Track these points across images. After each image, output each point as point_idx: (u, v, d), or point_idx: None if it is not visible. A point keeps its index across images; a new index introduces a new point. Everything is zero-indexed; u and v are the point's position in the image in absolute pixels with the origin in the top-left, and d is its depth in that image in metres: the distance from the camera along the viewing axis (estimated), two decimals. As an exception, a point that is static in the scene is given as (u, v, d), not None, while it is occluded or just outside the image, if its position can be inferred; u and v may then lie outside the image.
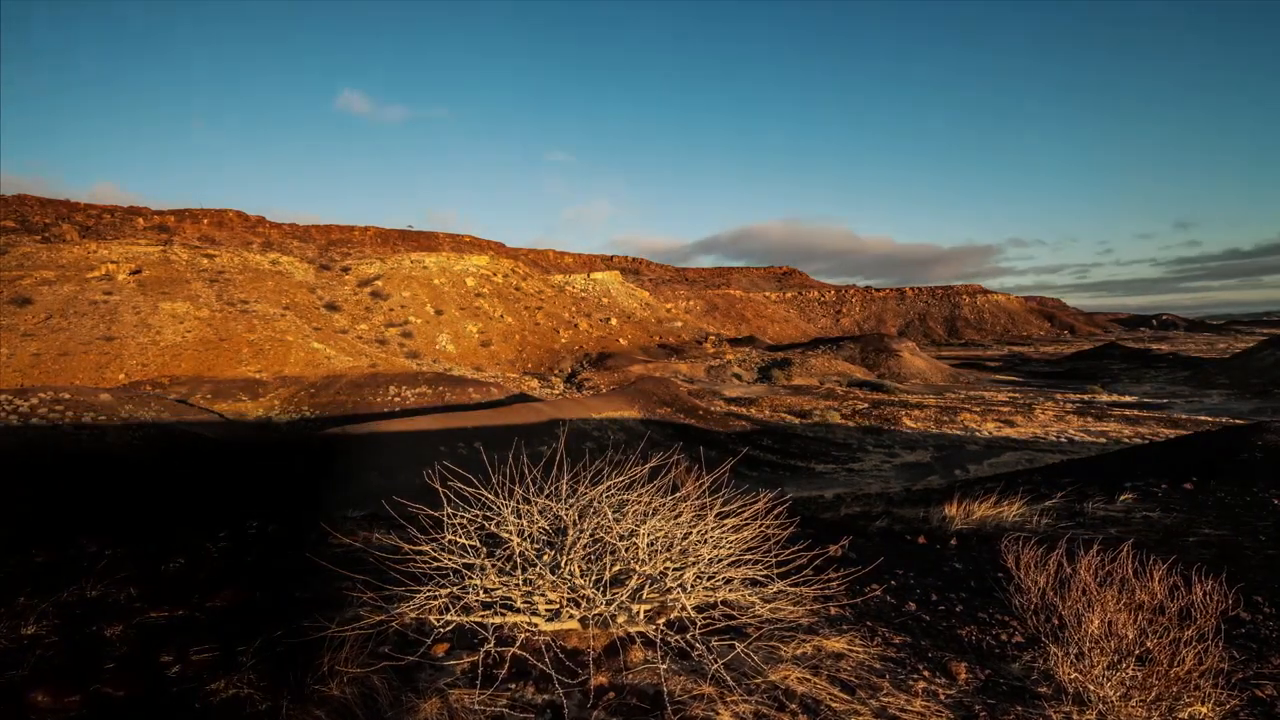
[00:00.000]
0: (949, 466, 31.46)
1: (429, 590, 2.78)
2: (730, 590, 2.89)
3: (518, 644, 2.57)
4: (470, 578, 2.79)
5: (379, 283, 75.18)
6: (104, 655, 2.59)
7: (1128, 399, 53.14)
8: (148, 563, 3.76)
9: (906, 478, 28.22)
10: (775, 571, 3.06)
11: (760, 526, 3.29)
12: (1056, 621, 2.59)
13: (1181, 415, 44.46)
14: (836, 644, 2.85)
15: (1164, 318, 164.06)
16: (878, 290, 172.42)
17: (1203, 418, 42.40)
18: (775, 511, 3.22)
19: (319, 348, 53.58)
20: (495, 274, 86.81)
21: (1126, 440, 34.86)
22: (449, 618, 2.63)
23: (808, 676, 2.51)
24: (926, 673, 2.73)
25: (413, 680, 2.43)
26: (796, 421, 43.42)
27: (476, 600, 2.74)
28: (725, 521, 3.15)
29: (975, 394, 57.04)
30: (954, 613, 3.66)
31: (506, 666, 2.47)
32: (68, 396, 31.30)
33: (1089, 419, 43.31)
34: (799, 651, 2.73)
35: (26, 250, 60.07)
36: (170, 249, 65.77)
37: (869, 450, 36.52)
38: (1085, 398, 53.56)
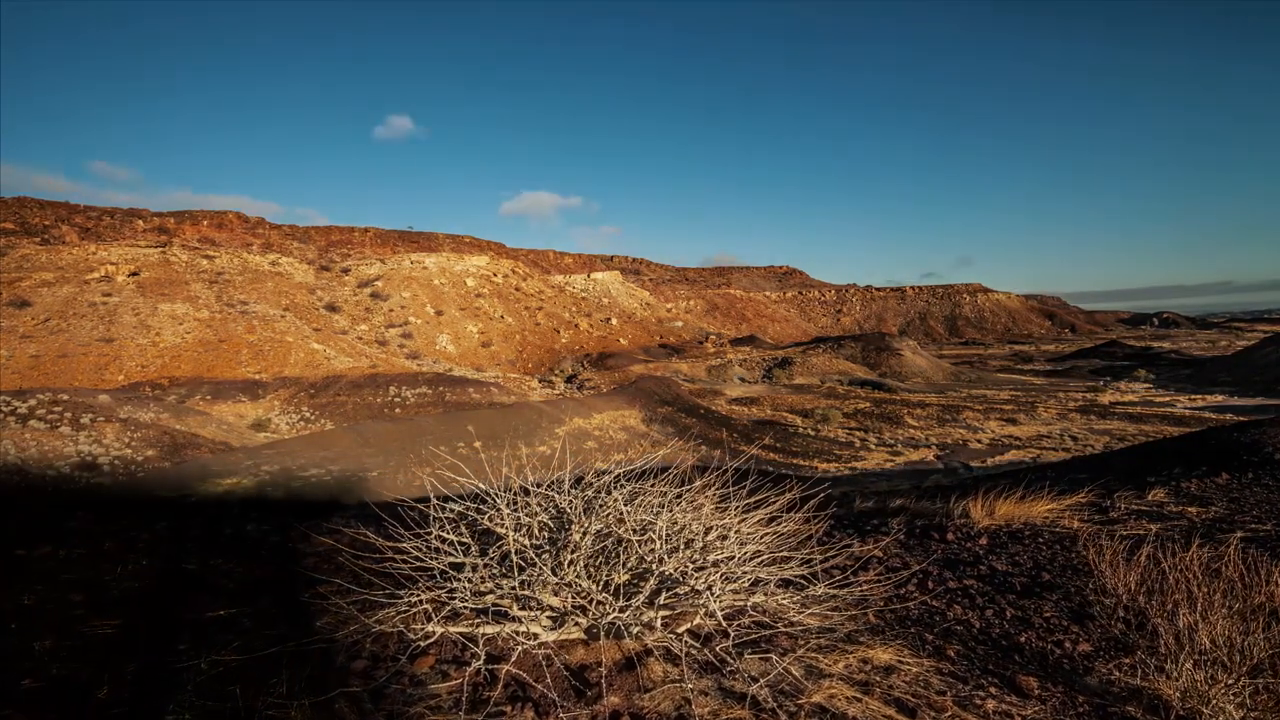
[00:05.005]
0: (953, 464, 31.12)
1: (408, 595, 2.38)
2: (764, 593, 2.49)
3: (513, 659, 2.18)
4: (458, 579, 2.40)
5: (379, 283, 74.84)
6: (26, 674, 2.19)
7: (1130, 397, 52.77)
8: (101, 566, 3.37)
9: (911, 476, 27.82)
10: (810, 572, 2.67)
11: (789, 521, 2.90)
12: (1150, 627, 2.20)
13: (1185, 412, 44.11)
14: (884, 655, 2.45)
15: (1165, 316, 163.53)
16: (878, 289, 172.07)
17: (1207, 415, 42.05)
18: (808, 504, 2.82)
19: (319, 349, 53.25)
20: (495, 274, 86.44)
21: (1130, 438, 34.51)
22: (431, 628, 2.24)
23: (858, 696, 2.12)
24: (994, 689, 2.34)
25: (387, 703, 2.04)
26: (799, 420, 43.05)
27: (466, 606, 2.35)
28: (752, 515, 2.76)
29: (977, 392, 56.67)
30: (1005, 617, 3.26)
31: (500, 686, 2.07)
32: (66, 398, 30.93)
33: (1092, 417, 42.96)
34: (843, 665, 2.34)
35: (26, 252, 59.76)
36: (169, 250, 65.48)
37: (872, 449, 36.15)
38: (1088, 396, 53.19)
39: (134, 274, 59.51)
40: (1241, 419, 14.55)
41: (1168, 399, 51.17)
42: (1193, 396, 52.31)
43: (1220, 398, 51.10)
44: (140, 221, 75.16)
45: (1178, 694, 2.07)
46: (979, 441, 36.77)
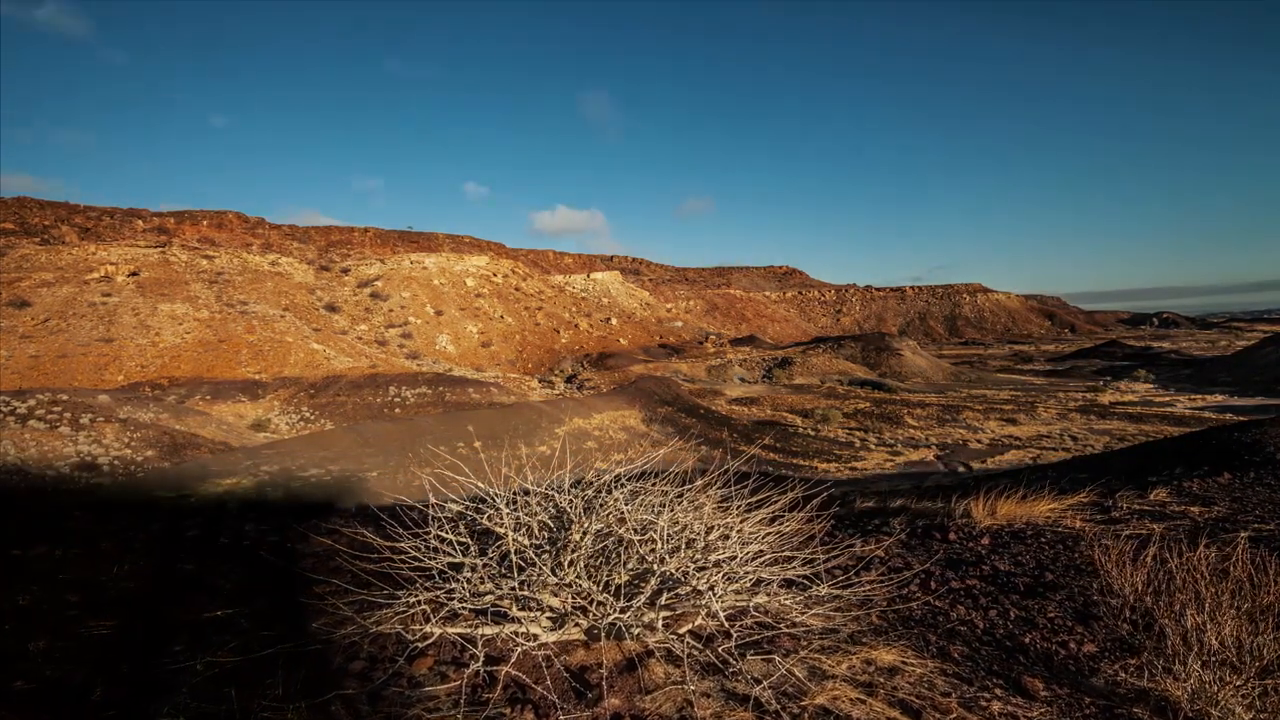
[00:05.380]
0: (953, 464, 31.11)
1: (407, 595, 2.35)
2: (766, 594, 2.47)
3: (512, 660, 2.15)
4: (457, 580, 2.37)
5: (378, 283, 74.81)
6: (20, 675, 2.17)
7: (1130, 397, 52.73)
8: (99, 566, 3.34)
9: (911, 476, 27.79)
10: (812, 572, 2.64)
11: (791, 520, 2.87)
12: (1157, 628, 2.17)
13: (1185, 412, 44.08)
14: (888, 656, 2.43)
15: (1165, 316, 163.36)
16: (878, 289, 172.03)
17: (1207, 415, 42.03)
18: (810, 504, 2.79)
19: (318, 349, 53.21)
20: (495, 274, 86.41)
21: (1131, 438, 34.47)
22: (429, 629, 2.21)
23: (862, 698, 2.09)
24: (999, 690, 2.31)
25: (385, 705, 2.01)
26: (799, 420, 43.03)
27: (465, 607, 2.32)
28: (753, 514, 2.73)
29: (977, 392, 56.65)
30: (1009, 617, 3.24)
31: (499, 688, 2.05)
32: (66, 398, 30.88)
33: (1092, 417, 42.92)
34: (846, 666, 2.31)
35: (25, 252, 59.73)
36: (169, 250, 65.44)
37: (872, 449, 36.10)
38: (1088, 396, 53.17)
39: (134, 274, 59.48)
40: (1242, 419, 14.55)
41: (1168, 399, 51.12)
42: (1193, 396, 52.27)
43: (1220, 398, 51.06)
44: (140, 221, 75.16)
45: (1186, 695, 2.04)
46: (979, 441, 36.74)
